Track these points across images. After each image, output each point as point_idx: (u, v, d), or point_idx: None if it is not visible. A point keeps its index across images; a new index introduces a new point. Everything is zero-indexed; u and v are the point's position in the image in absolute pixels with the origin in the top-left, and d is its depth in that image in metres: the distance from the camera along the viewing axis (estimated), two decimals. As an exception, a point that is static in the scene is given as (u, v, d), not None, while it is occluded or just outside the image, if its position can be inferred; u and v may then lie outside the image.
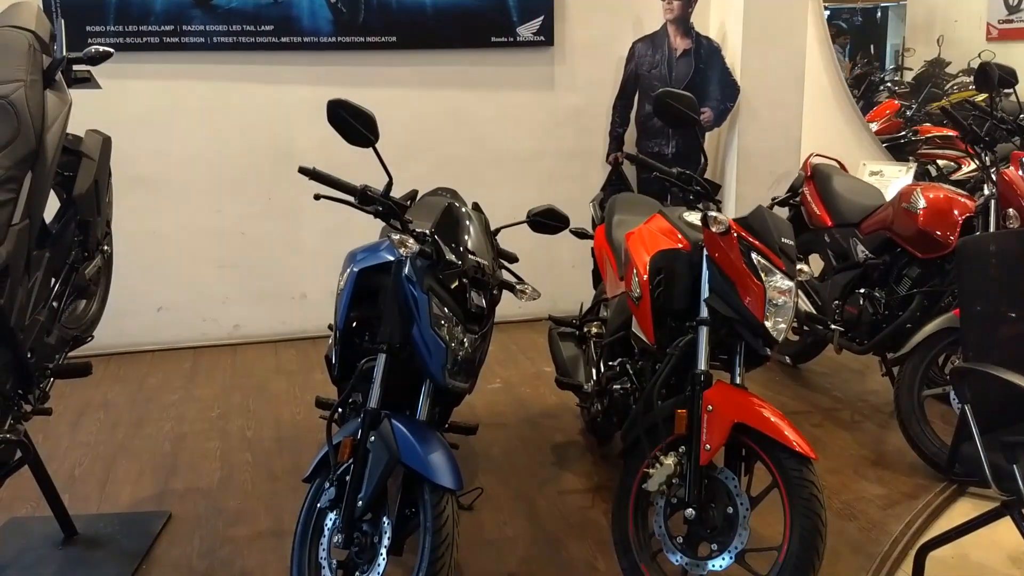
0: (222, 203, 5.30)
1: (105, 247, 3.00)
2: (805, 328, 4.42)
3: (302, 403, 4.36)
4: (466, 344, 2.49)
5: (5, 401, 2.37)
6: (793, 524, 2.36)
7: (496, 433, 3.96)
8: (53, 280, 2.67)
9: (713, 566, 2.45)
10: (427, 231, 2.52)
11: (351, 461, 2.44)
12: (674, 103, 2.54)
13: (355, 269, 2.67)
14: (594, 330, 3.61)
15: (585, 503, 3.31)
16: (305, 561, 2.52)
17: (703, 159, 2.70)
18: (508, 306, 4.91)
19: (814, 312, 4.28)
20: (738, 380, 2.65)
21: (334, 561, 2.45)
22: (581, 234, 3.85)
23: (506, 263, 2.97)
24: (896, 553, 2.93)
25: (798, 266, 2.77)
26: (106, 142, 2.91)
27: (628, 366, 3.14)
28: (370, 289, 2.64)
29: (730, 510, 2.46)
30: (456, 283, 2.50)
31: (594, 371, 3.44)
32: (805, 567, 2.31)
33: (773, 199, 3.82)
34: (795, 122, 5.42)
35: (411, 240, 2.43)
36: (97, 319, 3.14)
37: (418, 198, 3.85)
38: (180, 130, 5.16)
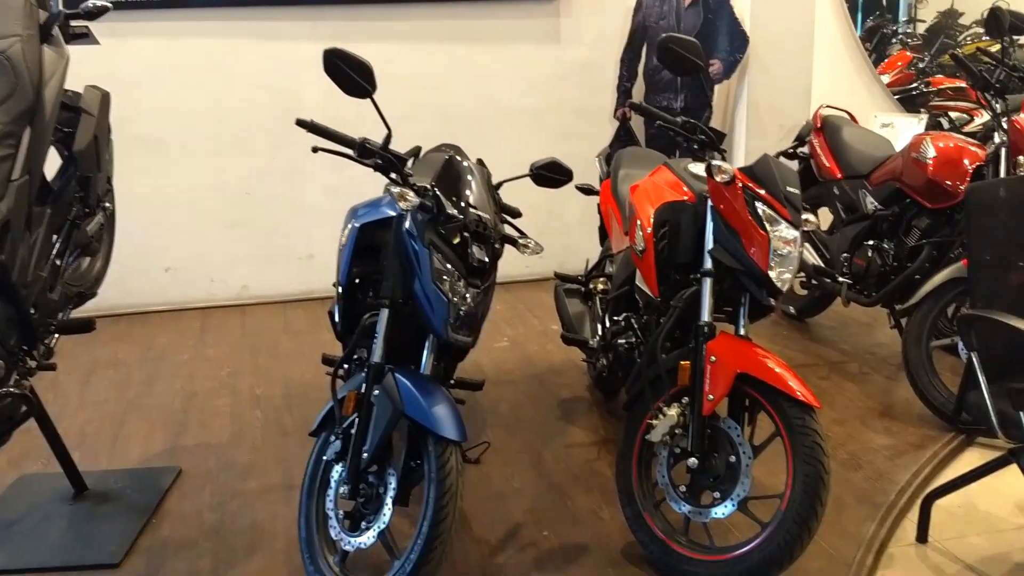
0: (228, 162, 5.28)
1: (107, 204, 3.00)
2: (813, 281, 4.40)
3: (311, 362, 4.36)
4: (468, 298, 2.49)
5: (9, 356, 2.39)
6: (796, 472, 2.36)
7: (503, 390, 3.97)
8: (55, 236, 2.67)
9: (716, 513, 2.47)
10: (427, 185, 2.50)
11: (356, 415, 2.45)
12: (677, 48, 2.50)
13: (356, 224, 2.66)
14: (600, 286, 3.60)
15: (591, 456, 3.33)
16: (313, 512, 2.54)
17: (708, 109, 2.66)
18: (515, 265, 4.93)
19: (822, 265, 4.25)
20: (742, 331, 2.64)
21: (341, 512, 2.47)
22: (587, 190, 3.82)
23: (509, 218, 2.95)
24: (902, 502, 2.93)
25: (804, 216, 2.74)
26: (105, 97, 2.90)
27: (633, 320, 3.13)
28: (372, 245, 2.63)
29: (732, 459, 2.46)
30: (457, 237, 2.48)
31: (599, 327, 3.43)
32: (807, 514, 2.32)
33: (780, 152, 3.77)
34: (805, 73, 5.35)
35: (411, 193, 2.41)
36: (102, 276, 3.15)
37: (421, 154, 3.83)
38: (184, 88, 5.13)
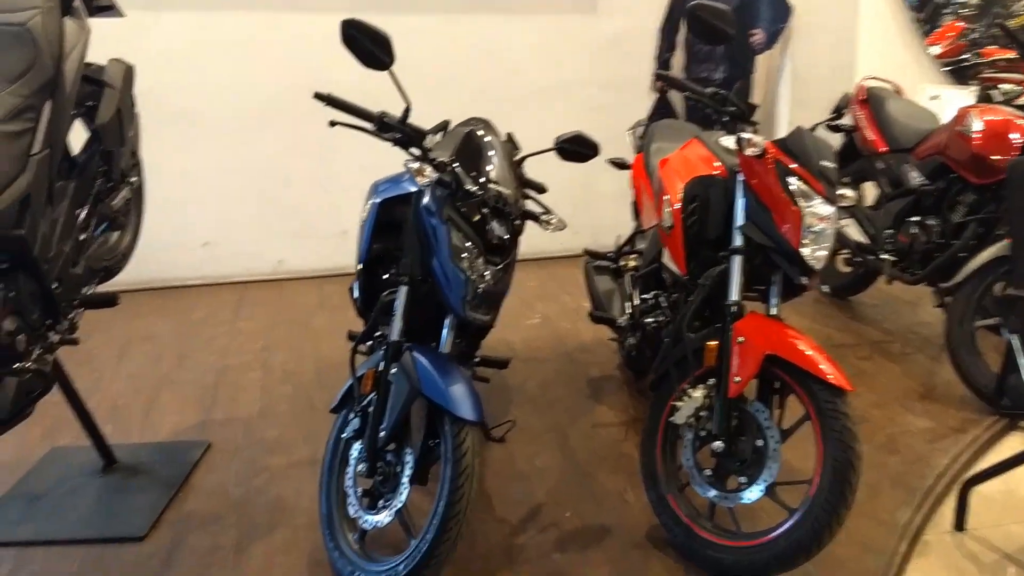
0: (263, 137, 5.28)
1: (132, 178, 2.99)
2: (856, 258, 4.28)
3: (343, 338, 4.34)
4: (487, 276, 2.43)
5: (32, 331, 2.39)
6: (825, 457, 2.28)
7: (533, 367, 3.92)
8: (79, 211, 2.66)
9: (742, 499, 2.40)
10: (446, 160, 2.45)
11: (374, 393, 2.42)
12: (707, 16, 2.41)
13: (376, 200, 2.62)
14: (630, 263, 3.52)
15: (618, 436, 3.27)
16: (332, 489, 2.53)
17: (741, 80, 2.56)
18: (550, 241, 4.86)
19: (865, 241, 4.13)
20: (774, 311, 2.56)
21: (359, 489, 2.45)
22: (620, 164, 3.74)
23: (533, 193, 2.88)
24: (940, 488, 2.84)
25: (841, 191, 2.64)
26: (128, 71, 2.88)
27: (661, 299, 3.06)
28: (392, 221, 2.59)
29: (760, 443, 2.39)
30: (477, 214, 2.42)
31: (629, 305, 3.36)
32: (837, 501, 2.24)
33: (821, 123, 3.63)
34: (850, 44, 5.19)
35: (429, 169, 2.36)
36: (130, 251, 3.15)
37: (450, 128, 3.77)
38: (218, 63, 5.12)
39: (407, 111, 2.45)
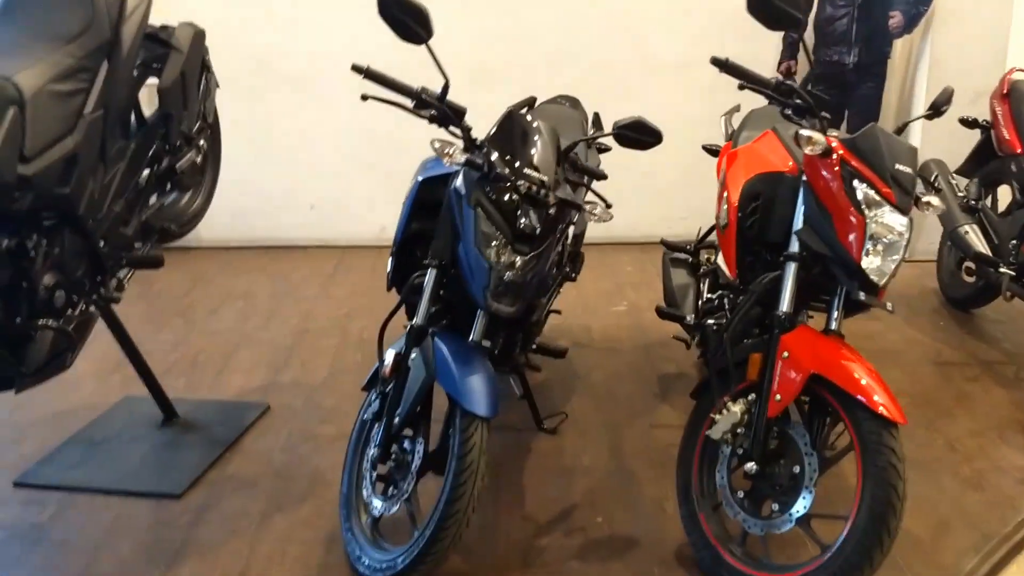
0: (377, 106, 5.28)
1: (201, 142, 3.03)
2: (977, 270, 3.90)
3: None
4: (517, 265, 2.29)
5: (73, 287, 2.45)
6: (864, 494, 2.05)
7: (604, 357, 3.78)
8: (136, 171, 2.71)
9: (772, 527, 2.20)
10: (477, 141, 2.33)
11: (395, 376, 2.36)
12: None
13: (419, 179, 2.54)
14: (710, 257, 3.31)
15: (674, 440, 3.03)
16: (354, 469, 2.50)
17: (810, 65, 2.31)
18: (658, 226, 4.67)
19: (985, 251, 3.74)
20: (833, 326, 2.31)
21: (375, 473, 2.40)
22: (712, 151, 3.51)
23: (585, 180, 2.71)
24: (1019, 537, 2.53)
25: (927, 199, 2.38)
26: (198, 35, 2.90)
27: (726, 300, 2.85)
28: (434, 200, 2.50)
29: (797, 469, 2.18)
30: (509, 199, 2.29)
31: (699, 302, 3.16)
32: (871, 544, 2.01)
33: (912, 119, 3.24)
34: (1001, 30, 4.69)
35: (456, 149, 2.26)
36: (200, 212, 3.21)
37: (536, 106, 3.64)
38: (330, 29, 5.15)
39: (446, 88, 2.34)
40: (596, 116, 3.57)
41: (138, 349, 3.07)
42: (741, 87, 2.38)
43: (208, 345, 4.00)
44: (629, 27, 5.16)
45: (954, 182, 4.15)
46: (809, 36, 5.06)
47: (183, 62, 2.80)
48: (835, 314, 2.32)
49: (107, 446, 3.07)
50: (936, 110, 2.55)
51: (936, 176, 4.17)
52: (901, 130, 2.53)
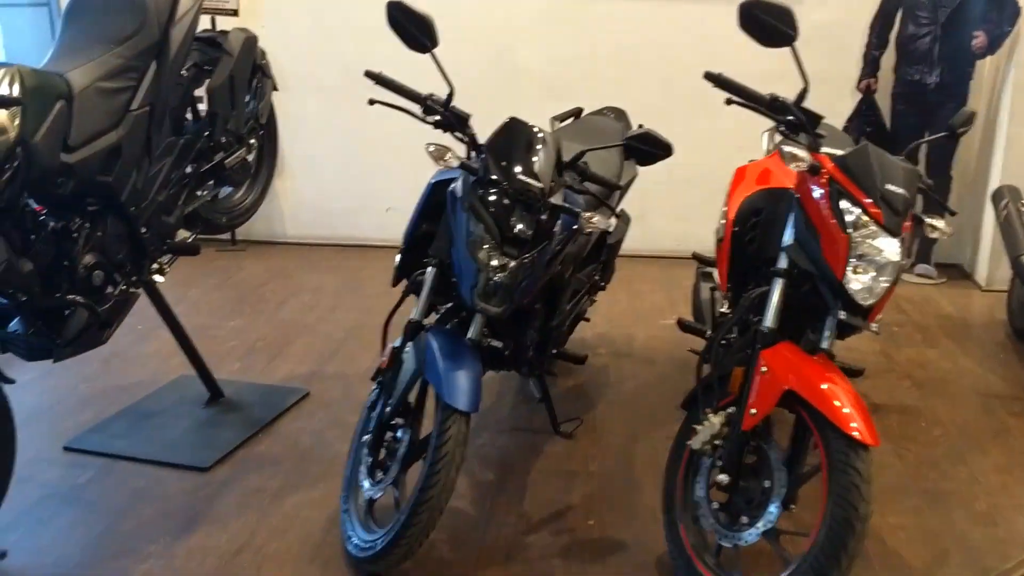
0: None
1: (252, 141, 3.23)
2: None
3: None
4: (507, 268, 2.37)
5: (114, 268, 2.67)
6: (826, 514, 2.05)
7: (639, 368, 3.81)
8: (184, 165, 2.92)
9: (739, 540, 2.21)
10: (475, 144, 2.43)
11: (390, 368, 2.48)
12: (761, 14, 2.18)
13: (432, 180, 2.65)
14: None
15: (686, 452, 3.10)
16: (357, 453, 2.62)
17: (804, 83, 2.30)
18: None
19: (1043, 282, 3.59)
20: (824, 345, 2.29)
21: (371, 459, 2.52)
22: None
23: (593, 188, 2.76)
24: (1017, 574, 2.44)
25: (932, 222, 2.35)
26: (248, 40, 3.10)
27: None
28: (443, 202, 2.61)
29: (767, 484, 2.19)
30: (502, 203, 2.37)
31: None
32: (828, 563, 2.00)
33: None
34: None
35: (451, 154, 2.36)
36: (252, 208, 3.41)
37: (582, 116, 3.71)
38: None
39: (451, 95, 2.46)
40: (640, 128, 3.60)
41: (186, 332, 3.29)
42: (728, 102, 2.37)
43: (269, 333, 4.23)
44: (702, 39, 5.14)
45: (1024, 209, 3.99)
46: (891, 54, 4.96)
47: (232, 65, 3.00)
48: (826, 334, 2.30)
49: (153, 420, 3.30)
50: (951, 132, 2.49)
51: (1006, 202, 4.02)
52: (914, 151, 2.48)
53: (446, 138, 2.58)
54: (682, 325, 3.22)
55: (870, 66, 4.98)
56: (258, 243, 5.75)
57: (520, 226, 2.36)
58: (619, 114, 3.67)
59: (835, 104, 5.05)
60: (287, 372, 3.79)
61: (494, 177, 2.36)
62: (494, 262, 2.35)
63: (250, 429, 3.24)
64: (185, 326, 3.30)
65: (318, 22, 5.32)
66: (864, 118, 5.03)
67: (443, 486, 2.24)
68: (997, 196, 4.12)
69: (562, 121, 3.62)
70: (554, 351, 3.07)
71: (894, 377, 3.74)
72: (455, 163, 2.38)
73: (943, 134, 2.52)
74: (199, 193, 3.07)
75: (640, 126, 3.62)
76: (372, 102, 2.50)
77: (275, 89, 3.43)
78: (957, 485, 2.91)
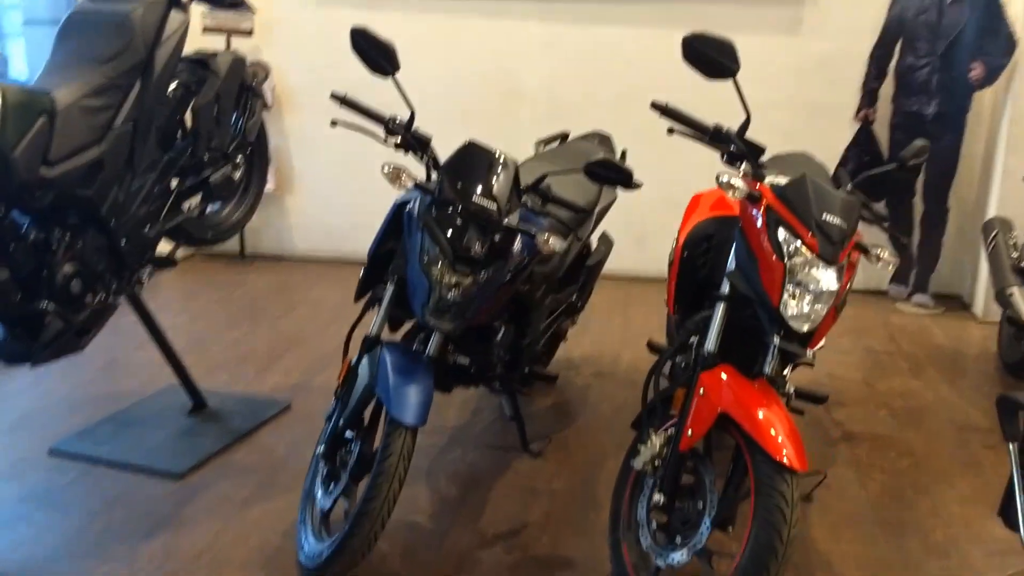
0: (456, 135, 5.54)
1: (239, 159, 3.34)
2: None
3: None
4: (463, 285, 2.44)
5: (95, 278, 2.78)
6: (751, 535, 2.08)
7: (619, 389, 3.84)
8: (166, 181, 3.03)
9: (671, 559, 2.25)
10: (439, 166, 2.51)
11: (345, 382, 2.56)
12: (704, 48, 2.23)
13: (397, 201, 2.74)
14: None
15: (649, 474, 3.13)
16: (315, 464, 2.69)
17: (747, 115, 2.35)
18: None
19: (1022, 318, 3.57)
20: (767, 369, 2.33)
21: (326, 470, 2.59)
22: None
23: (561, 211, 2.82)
24: (961, 607, 2.45)
25: (878, 252, 2.38)
26: (235, 62, 3.21)
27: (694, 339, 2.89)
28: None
29: (700, 505, 2.23)
30: (455, 222, 2.45)
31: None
32: (750, 585, 2.04)
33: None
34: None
35: (404, 175, 2.44)
36: (238, 224, 3.52)
37: (568, 139, 3.79)
38: (419, 62, 5.44)
39: (412, 117, 2.54)
40: (623, 152, 3.67)
41: (169, 341, 3.40)
42: (670, 131, 2.42)
43: (262, 345, 4.33)
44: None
45: (1012, 242, 3.98)
46: (890, 85, 4.98)
47: (219, 85, 3.11)
48: (768, 359, 2.34)
49: (137, 426, 3.41)
50: (902, 164, 2.52)
51: (995, 233, 4.02)
52: (863, 182, 2.51)
53: (409, 160, 2.66)
54: (651, 347, 3.27)
55: (868, 96, 5.00)
56: (267, 258, 5.89)
57: (475, 246, 2.43)
58: (603, 139, 3.74)
59: (832, 133, 5.09)
60: (274, 384, 3.88)
61: (449, 197, 2.44)
62: (447, 279, 2.42)
63: (228, 438, 3.33)
64: (184, 336, 3.42)
65: (328, 44, 5.44)
66: (861, 147, 5.05)
67: (385, 498, 2.30)
68: (987, 228, 4.11)
69: (547, 144, 3.70)
70: (527, 370, 3.13)
71: (872, 406, 3.74)
72: (410, 184, 2.46)
73: (891, 166, 2.54)
74: (184, 208, 3.18)
75: (623, 150, 3.72)
76: (335, 123, 2.59)
77: (267, 108, 3.55)
78: (917, 516, 2.92)
